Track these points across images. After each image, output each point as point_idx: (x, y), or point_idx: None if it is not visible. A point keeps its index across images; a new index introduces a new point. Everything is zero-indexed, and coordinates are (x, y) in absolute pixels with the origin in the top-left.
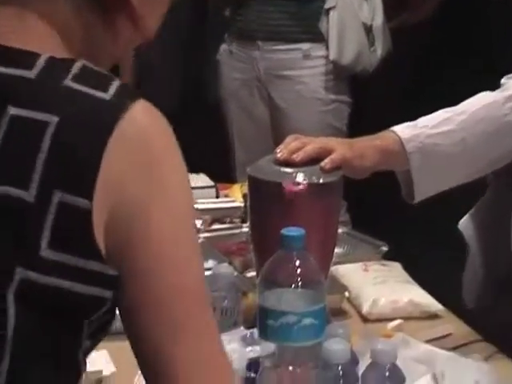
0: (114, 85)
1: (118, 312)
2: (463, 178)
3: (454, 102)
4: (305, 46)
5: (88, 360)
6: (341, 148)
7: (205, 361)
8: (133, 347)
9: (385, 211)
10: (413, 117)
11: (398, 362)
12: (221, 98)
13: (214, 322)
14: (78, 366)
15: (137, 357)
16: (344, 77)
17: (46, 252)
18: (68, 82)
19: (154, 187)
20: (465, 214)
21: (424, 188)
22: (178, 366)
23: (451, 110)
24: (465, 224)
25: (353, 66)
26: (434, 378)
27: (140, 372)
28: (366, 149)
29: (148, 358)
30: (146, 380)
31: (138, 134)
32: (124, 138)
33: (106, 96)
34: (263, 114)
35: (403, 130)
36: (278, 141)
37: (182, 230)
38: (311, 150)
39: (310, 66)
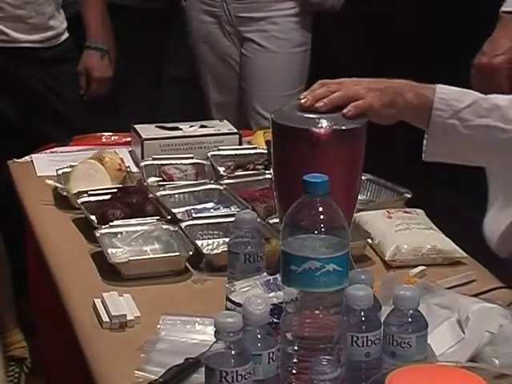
0: None
1: None
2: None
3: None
4: None
5: (112, 304)
6: (370, 96)
7: None
8: None
9: (407, 157)
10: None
11: (421, 308)
12: (191, 43)
13: None
14: None
15: None
16: (311, 18)
17: None
18: None
19: None
20: None
21: (433, 157)
22: None
23: (501, 117)
24: None
25: (323, 2)
26: (458, 322)
27: (163, 316)
28: (397, 98)
29: None
30: None
31: None
32: None
33: None
34: (234, 56)
35: (443, 108)
36: (245, 82)
37: None
38: (337, 99)
39: (281, 8)
